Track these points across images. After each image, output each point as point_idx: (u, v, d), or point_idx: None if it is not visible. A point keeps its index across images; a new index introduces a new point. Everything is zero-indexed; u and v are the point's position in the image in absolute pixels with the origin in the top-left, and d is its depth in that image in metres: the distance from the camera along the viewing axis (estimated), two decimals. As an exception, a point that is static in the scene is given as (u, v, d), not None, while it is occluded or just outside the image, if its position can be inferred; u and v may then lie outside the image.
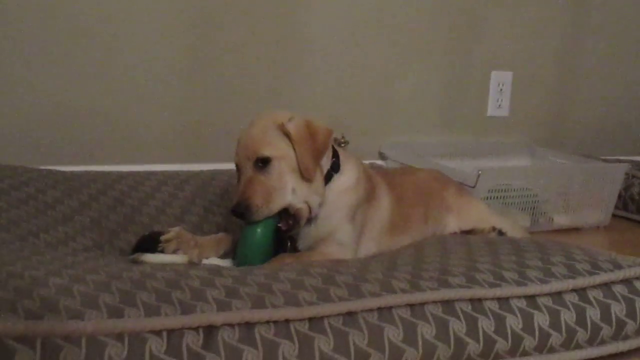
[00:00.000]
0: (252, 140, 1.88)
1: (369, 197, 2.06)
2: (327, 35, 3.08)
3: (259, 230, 1.84)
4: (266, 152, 1.85)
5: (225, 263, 1.88)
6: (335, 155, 2.01)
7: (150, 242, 1.91)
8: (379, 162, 3.20)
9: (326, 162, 1.98)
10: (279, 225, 1.88)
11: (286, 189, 1.87)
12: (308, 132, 1.90)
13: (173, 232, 1.91)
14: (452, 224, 2.33)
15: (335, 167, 1.99)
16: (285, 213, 1.89)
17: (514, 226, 2.40)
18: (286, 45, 3.02)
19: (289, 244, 1.96)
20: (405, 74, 3.31)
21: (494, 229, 2.28)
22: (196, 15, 2.82)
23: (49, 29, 2.60)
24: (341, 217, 1.98)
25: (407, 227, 2.17)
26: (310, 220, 1.95)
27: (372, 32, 3.18)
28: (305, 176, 1.87)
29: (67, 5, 2.62)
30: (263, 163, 1.85)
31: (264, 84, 3.00)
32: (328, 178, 1.97)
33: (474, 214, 2.35)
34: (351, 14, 3.12)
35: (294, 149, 1.87)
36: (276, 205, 1.85)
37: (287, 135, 1.87)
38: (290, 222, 1.90)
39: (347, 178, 2.01)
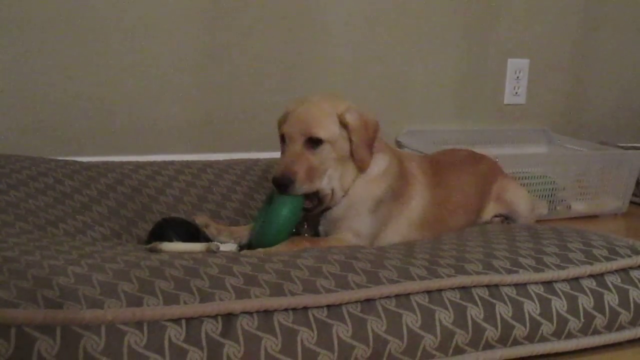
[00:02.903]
0: (310, 118, 1.93)
1: (396, 194, 2.05)
2: (342, 23, 3.08)
3: (285, 210, 1.88)
4: (321, 134, 1.91)
5: (231, 247, 1.90)
6: None
7: (166, 228, 1.95)
8: (396, 150, 3.20)
9: None
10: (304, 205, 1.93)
11: (325, 172, 1.93)
12: (363, 124, 1.96)
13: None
14: (492, 206, 2.36)
15: None
16: (314, 194, 1.94)
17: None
18: (301, 34, 3.01)
19: (305, 226, 2.03)
20: (422, 62, 3.30)
21: (504, 220, 2.29)
22: (211, 5, 2.82)
23: (67, 22, 2.61)
24: (361, 208, 1.99)
25: (442, 226, 2.14)
26: (329, 207, 1.99)
27: (388, 20, 3.18)
28: (359, 165, 1.97)
29: (85, -3, 2.63)
30: (314, 143, 1.91)
31: (280, 73, 3.00)
32: None
33: (512, 195, 2.36)
34: (367, 1, 3.11)
35: (350, 140, 1.94)
36: (316, 185, 1.92)
37: (343, 125, 1.94)
38: (315, 202, 1.96)
39: (373, 170, 2.02)
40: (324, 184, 1.94)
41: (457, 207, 2.19)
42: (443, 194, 2.16)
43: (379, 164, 2.03)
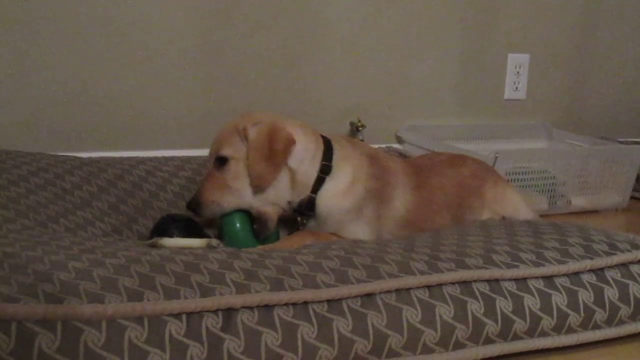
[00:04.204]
0: (217, 139, 1.96)
1: (377, 195, 2.03)
2: (342, 18, 3.08)
3: (236, 224, 1.94)
4: (224, 152, 1.91)
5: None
6: (328, 157, 1.99)
7: (168, 224, 1.96)
8: (396, 145, 3.20)
9: (311, 166, 1.96)
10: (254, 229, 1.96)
11: (242, 190, 1.92)
12: (267, 139, 1.90)
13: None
14: (486, 215, 2.32)
15: (325, 170, 1.98)
16: (257, 216, 1.95)
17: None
18: (301, 29, 3.01)
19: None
20: (422, 57, 3.30)
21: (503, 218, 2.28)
22: (212, 0, 2.83)
23: (67, 17, 2.61)
24: (342, 218, 1.99)
25: (428, 226, 2.12)
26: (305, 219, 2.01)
27: (388, 16, 3.18)
28: (255, 183, 1.91)
29: (84, -8, 2.63)
30: (221, 162, 1.92)
31: (280, 68, 3.00)
32: (320, 181, 1.97)
33: (507, 206, 2.32)
34: (367, -3, 3.12)
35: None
36: (228, 204, 1.93)
37: (247, 140, 1.90)
38: (258, 225, 1.96)
39: (338, 182, 1.98)
40: (250, 201, 1.94)
41: (440, 208, 2.17)
42: (425, 196, 2.14)
43: (345, 174, 1.99)
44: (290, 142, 1.93)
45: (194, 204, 1.93)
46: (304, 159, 1.95)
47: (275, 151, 1.90)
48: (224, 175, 1.91)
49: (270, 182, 1.91)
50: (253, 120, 1.93)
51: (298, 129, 1.97)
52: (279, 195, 1.95)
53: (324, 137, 2.03)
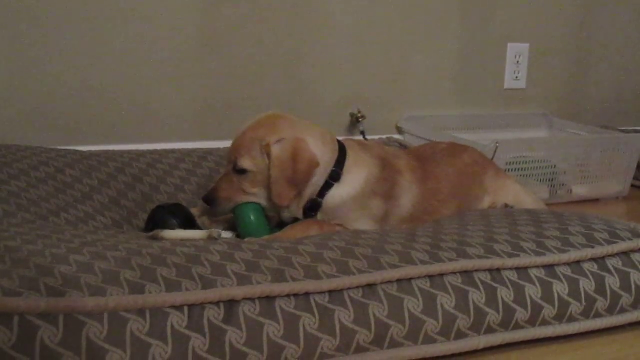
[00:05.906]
0: (238, 147, 1.94)
1: (387, 195, 2.03)
2: (343, 9, 3.07)
3: (250, 216, 1.96)
4: (244, 164, 1.92)
5: (228, 234, 1.95)
6: (340, 163, 1.98)
7: (163, 214, 1.99)
8: (397, 136, 3.20)
9: (322, 177, 1.96)
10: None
11: (257, 195, 1.96)
12: (291, 158, 1.90)
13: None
14: (487, 202, 2.31)
15: (335, 176, 1.97)
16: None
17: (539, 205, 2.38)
18: (301, 20, 3.01)
19: None
20: (422, 47, 3.30)
21: (506, 206, 2.27)
22: (211, -8, 2.83)
23: (66, 10, 2.60)
24: (348, 214, 1.99)
25: (434, 217, 2.12)
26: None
27: (388, 6, 3.17)
28: (276, 201, 1.92)
29: (83, -15, 2.63)
30: (240, 171, 1.93)
31: (280, 60, 3.00)
32: (327, 187, 1.96)
33: (510, 196, 2.32)
34: (366, -12, 3.12)
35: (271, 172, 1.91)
36: (242, 200, 1.97)
37: (269, 156, 1.89)
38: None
39: (347, 189, 1.98)
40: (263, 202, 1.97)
41: (446, 197, 2.17)
42: (431, 187, 2.14)
43: (355, 181, 1.98)
44: (314, 165, 1.93)
45: (210, 200, 1.98)
46: (319, 172, 1.95)
47: (298, 172, 1.90)
48: (242, 182, 1.94)
49: (290, 201, 1.94)
50: (276, 134, 1.91)
51: (319, 143, 1.96)
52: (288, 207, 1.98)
53: (338, 142, 2.03)
